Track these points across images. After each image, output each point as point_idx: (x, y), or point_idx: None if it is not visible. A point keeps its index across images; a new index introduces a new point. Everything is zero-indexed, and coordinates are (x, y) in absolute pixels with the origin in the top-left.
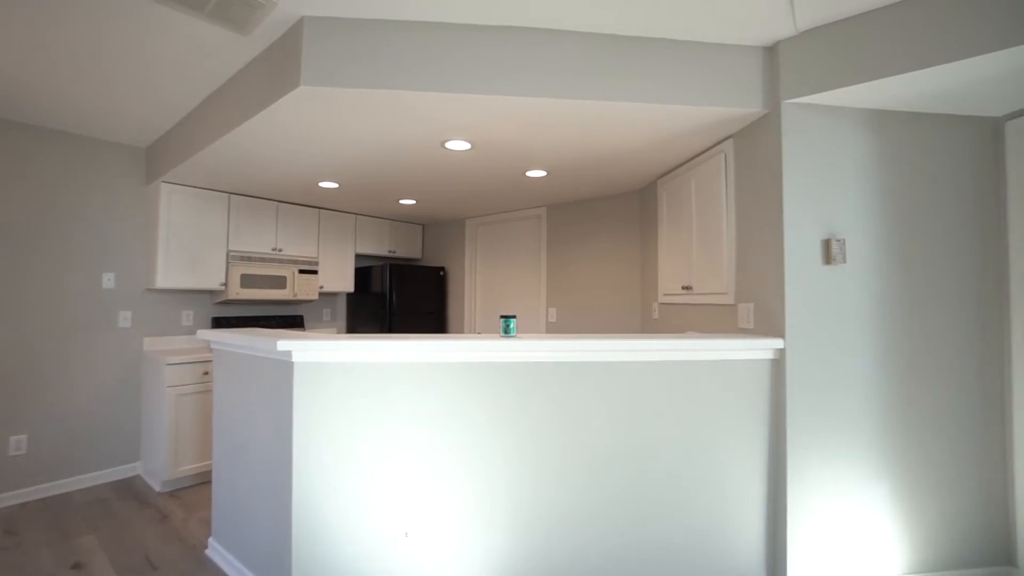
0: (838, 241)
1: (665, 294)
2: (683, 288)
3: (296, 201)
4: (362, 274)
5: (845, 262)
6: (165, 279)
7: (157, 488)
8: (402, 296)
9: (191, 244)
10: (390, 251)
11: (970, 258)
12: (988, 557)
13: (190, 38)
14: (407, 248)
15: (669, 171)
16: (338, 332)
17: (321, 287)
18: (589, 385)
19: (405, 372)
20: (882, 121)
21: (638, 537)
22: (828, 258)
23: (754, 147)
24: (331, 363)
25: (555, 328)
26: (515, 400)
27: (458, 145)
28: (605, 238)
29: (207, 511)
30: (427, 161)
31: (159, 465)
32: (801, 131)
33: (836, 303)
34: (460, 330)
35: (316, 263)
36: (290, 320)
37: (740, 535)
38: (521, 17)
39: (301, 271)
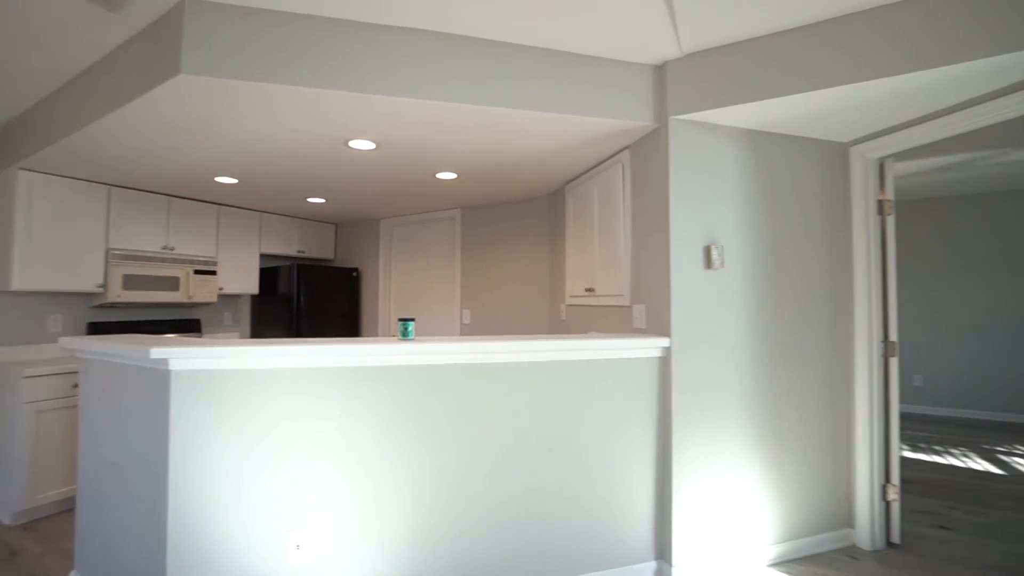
0: (718, 248)
1: (572, 296)
2: (586, 290)
3: (191, 196)
4: (268, 275)
5: (724, 267)
6: (23, 280)
7: (7, 521)
8: (312, 298)
9: (60, 240)
10: (299, 251)
11: (825, 264)
12: (836, 522)
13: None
14: (319, 248)
15: (575, 177)
16: (241, 336)
17: (221, 289)
18: (491, 387)
19: (297, 378)
20: (756, 140)
21: (538, 534)
22: (708, 263)
23: (646, 158)
24: (214, 371)
25: (469, 330)
26: (414, 404)
27: (362, 144)
28: (517, 241)
29: (71, 542)
30: (331, 159)
31: (12, 494)
32: (686, 145)
33: (715, 304)
34: (374, 333)
35: (215, 263)
36: (185, 325)
37: (632, 520)
38: (422, 20)
39: (197, 271)
